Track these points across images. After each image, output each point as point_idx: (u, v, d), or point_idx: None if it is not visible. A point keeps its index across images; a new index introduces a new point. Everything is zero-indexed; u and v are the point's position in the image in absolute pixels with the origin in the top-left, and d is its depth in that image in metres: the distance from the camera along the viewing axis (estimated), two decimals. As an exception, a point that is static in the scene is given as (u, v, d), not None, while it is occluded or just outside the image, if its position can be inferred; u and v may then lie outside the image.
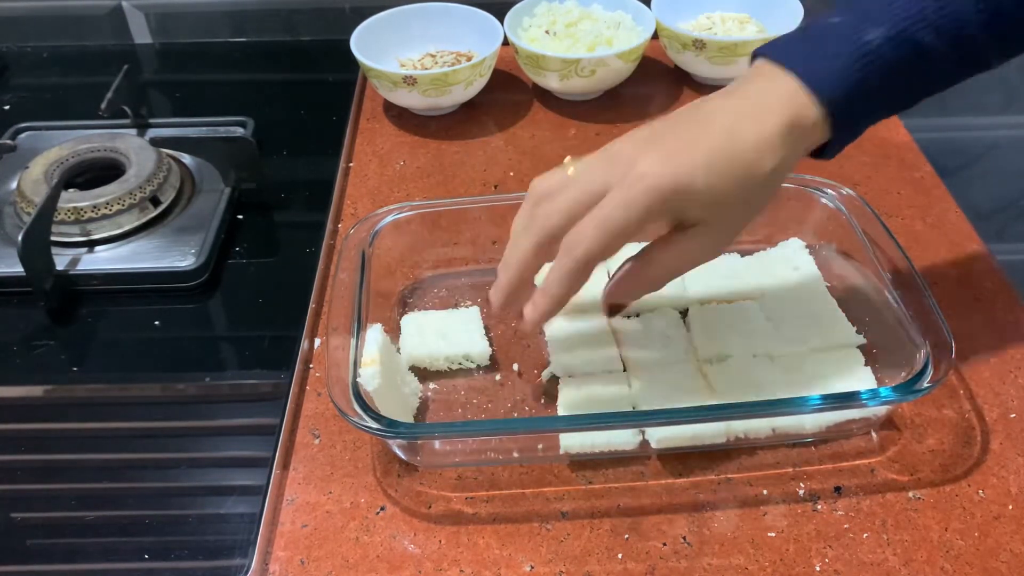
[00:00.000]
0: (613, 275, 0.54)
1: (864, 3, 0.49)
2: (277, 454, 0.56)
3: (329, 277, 0.69)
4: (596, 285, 0.65)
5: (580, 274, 0.49)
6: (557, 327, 0.63)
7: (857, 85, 0.48)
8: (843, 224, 0.66)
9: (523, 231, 0.51)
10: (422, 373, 0.62)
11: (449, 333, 0.63)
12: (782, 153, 0.48)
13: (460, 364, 0.63)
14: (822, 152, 0.52)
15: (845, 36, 0.48)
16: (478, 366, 0.63)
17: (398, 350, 0.62)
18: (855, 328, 0.61)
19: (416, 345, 0.62)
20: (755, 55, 0.51)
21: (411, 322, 0.64)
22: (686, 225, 0.50)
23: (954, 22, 0.47)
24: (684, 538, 0.53)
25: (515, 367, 0.63)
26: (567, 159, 0.51)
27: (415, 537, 0.53)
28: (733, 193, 0.48)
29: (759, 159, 0.48)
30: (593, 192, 0.48)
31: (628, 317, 0.64)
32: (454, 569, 0.51)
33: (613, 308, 0.57)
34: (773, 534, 0.53)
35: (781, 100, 0.48)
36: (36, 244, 0.66)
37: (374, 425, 0.52)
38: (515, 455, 0.56)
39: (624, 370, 0.60)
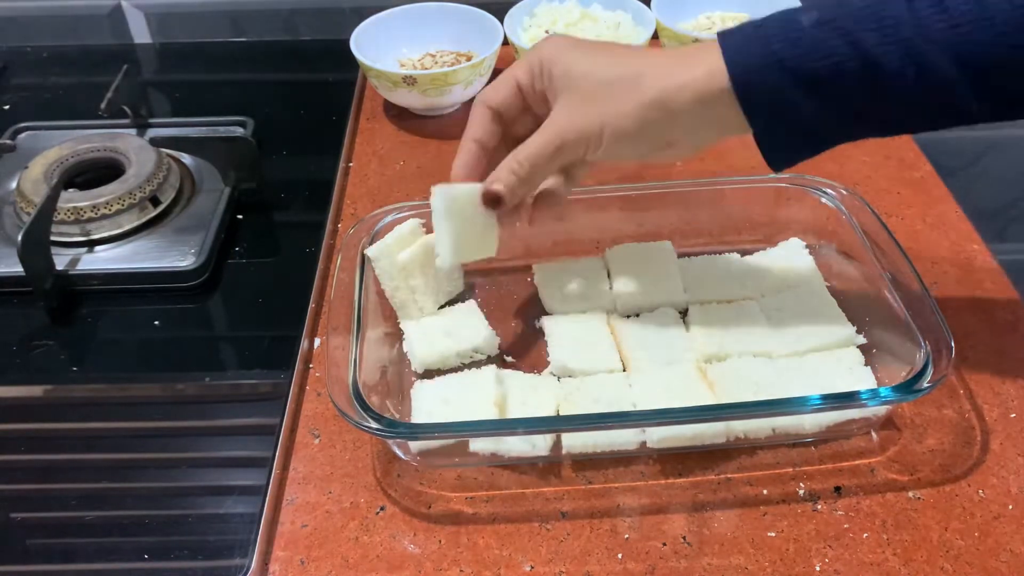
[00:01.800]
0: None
1: (829, 2, 0.48)
2: (277, 454, 0.56)
3: (329, 277, 0.69)
4: (601, 297, 0.65)
5: (483, 117, 0.56)
6: (557, 328, 0.63)
7: (768, 59, 0.47)
8: (843, 224, 0.66)
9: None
10: (430, 374, 0.62)
11: (453, 330, 0.63)
12: (674, 86, 0.49)
13: (472, 357, 0.63)
14: (766, 152, 0.51)
15: (784, 17, 0.48)
16: (488, 356, 0.63)
17: (405, 354, 0.62)
18: (855, 328, 0.61)
19: (425, 349, 0.62)
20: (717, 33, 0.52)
21: (413, 327, 0.64)
22: (550, 107, 0.54)
23: (896, 26, 0.44)
24: (684, 538, 0.53)
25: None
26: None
27: (415, 537, 0.53)
28: (604, 75, 0.51)
29: (646, 75, 0.49)
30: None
31: (628, 317, 0.64)
32: (454, 569, 0.51)
33: (489, 197, 0.55)
34: (773, 534, 0.53)
35: (702, 60, 0.49)
36: (36, 244, 0.66)
37: (374, 425, 0.52)
38: (515, 455, 0.56)
39: (624, 370, 0.60)
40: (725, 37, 0.49)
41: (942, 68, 0.44)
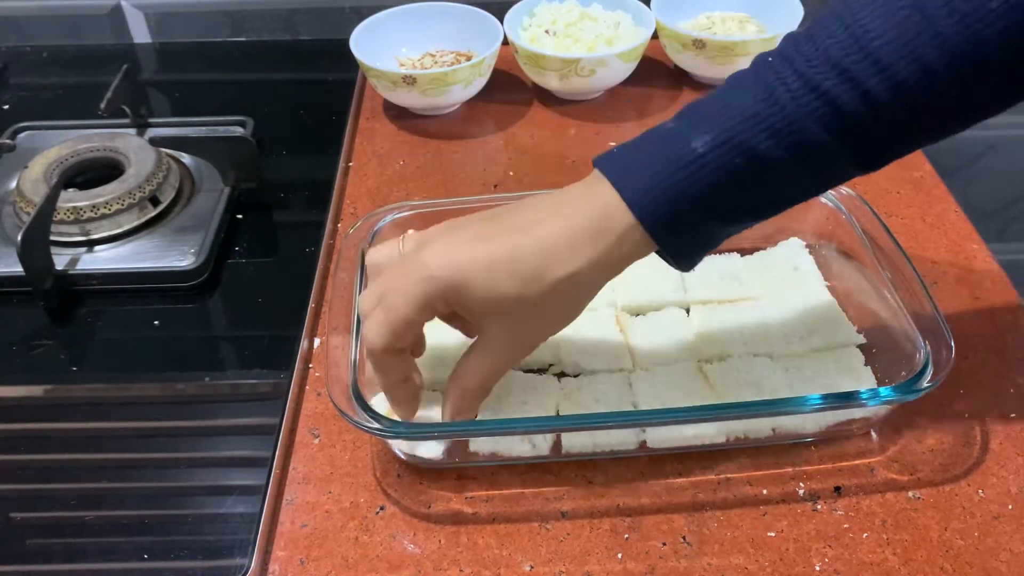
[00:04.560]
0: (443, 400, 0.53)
1: (701, 109, 0.47)
2: (277, 454, 0.56)
3: (329, 277, 0.69)
4: (601, 297, 0.65)
5: (383, 363, 0.50)
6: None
7: (679, 194, 0.46)
8: (843, 224, 0.66)
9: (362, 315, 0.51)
10: None
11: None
12: (581, 261, 0.47)
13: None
14: (675, 262, 0.49)
15: (671, 143, 0.46)
16: None
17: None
18: (855, 328, 0.61)
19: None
20: (593, 161, 0.49)
21: None
22: (477, 331, 0.50)
23: (791, 127, 0.44)
24: (684, 538, 0.53)
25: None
26: (410, 232, 0.52)
27: (415, 537, 0.53)
28: (515, 295, 0.47)
29: (548, 264, 0.47)
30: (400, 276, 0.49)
31: (635, 316, 0.64)
32: (454, 569, 0.51)
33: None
34: (773, 534, 0.53)
35: (591, 207, 0.47)
36: (35, 244, 0.66)
37: (374, 425, 0.52)
38: (515, 455, 0.56)
39: (633, 368, 0.60)
40: (622, 181, 0.46)
41: (833, 151, 0.45)
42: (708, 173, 0.45)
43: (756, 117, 0.44)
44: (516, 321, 0.49)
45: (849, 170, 0.47)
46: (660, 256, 0.50)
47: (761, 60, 0.46)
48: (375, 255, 0.53)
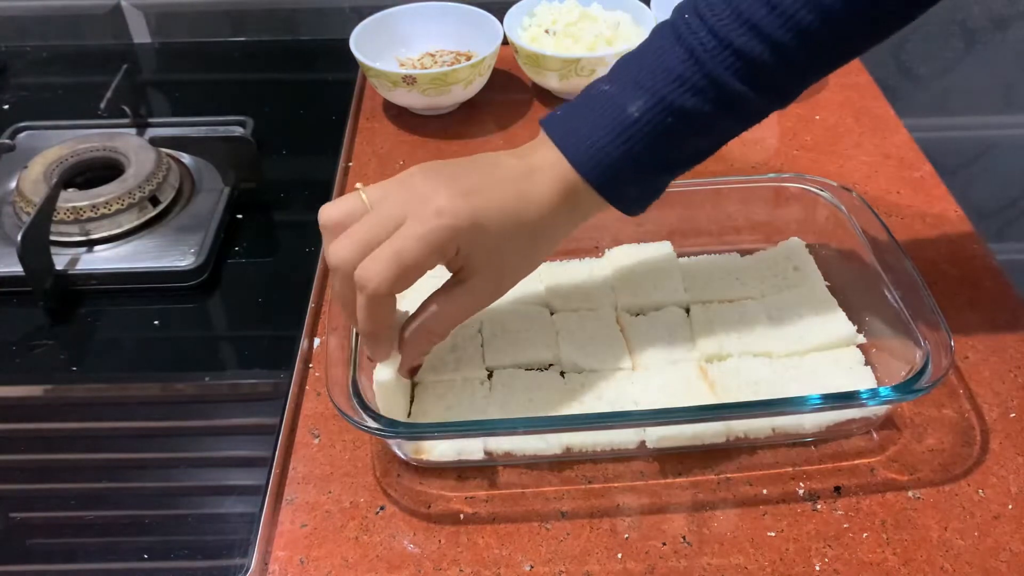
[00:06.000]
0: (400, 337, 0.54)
1: (633, 70, 0.51)
2: (276, 454, 0.56)
3: (329, 277, 0.69)
4: (602, 297, 0.65)
5: (380, 307, 0.50)
6: (568, 324, 0.63)
7: (620, 157, 0.51)
8: (843, 224, 0.66)
9: (330, 269, 0.51)
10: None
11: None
12: (557, 216, 0.52)
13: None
14: (626, 211, 0.54)
15: (608, 109, 0.51)
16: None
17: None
18: (855, 328, 0.61)
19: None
20: (541, 124, 0.55)
21: None
22: (463, 276, 0.52)
23: (712, 83, 0.49)
24: (684, 538, 0.53)
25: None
26: (358, 185, 0.52)
27: (415, 537, 0.53)
28: (514, 243, 0.52)
29: (539, 219, 0.52)
30: (389, 222, 0.49)
31: (635, 316, 0.64)
32: (454, 569, 0.51)
33: (412, 370, 0.58)
34: (773, 534, 0.53)
35: (555, 170, 0.52)
36: (35, 244, 0.66)
37: (374, 425, 0.52)
38: (515, 454, 0.56)
39: (633, 368, 0.60)
40: (570, 151, 0.52)
41: (751, 97, 0.50)
42: (645, 135, 0.50)
43: (680, 78, 0.50)
44: (504, 265, 0.53)
45: (768, 108, 0.52)
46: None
47: (680, 16, 0.51)
48: (333, 211, 0.51)
